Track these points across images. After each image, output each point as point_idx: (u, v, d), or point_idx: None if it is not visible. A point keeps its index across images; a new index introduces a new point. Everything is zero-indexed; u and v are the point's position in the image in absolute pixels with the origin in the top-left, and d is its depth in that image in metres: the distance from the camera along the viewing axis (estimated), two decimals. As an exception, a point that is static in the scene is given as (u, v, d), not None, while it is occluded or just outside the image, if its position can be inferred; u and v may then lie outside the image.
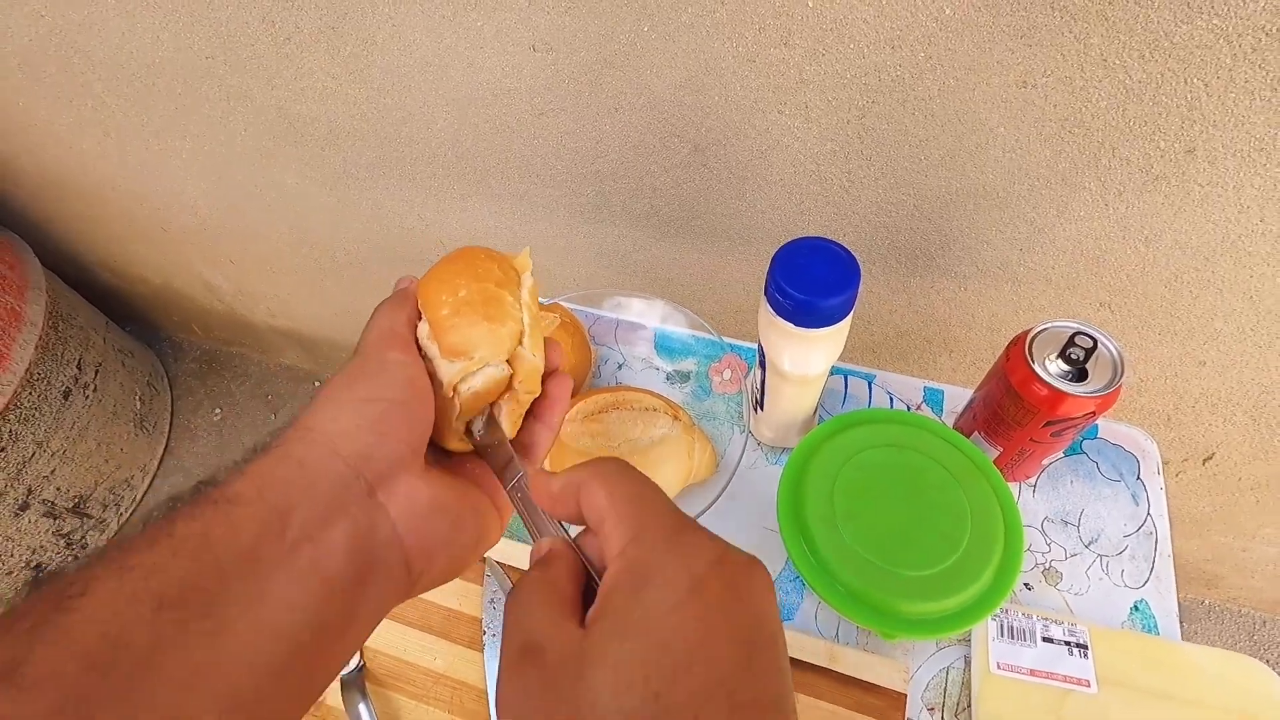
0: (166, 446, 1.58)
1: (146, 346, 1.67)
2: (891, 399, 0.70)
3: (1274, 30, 0.47)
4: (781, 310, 0.52)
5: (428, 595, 0.60)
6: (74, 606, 0.21)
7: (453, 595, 0.60)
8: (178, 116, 0.94)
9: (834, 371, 0.71)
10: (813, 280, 0.51)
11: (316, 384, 1.66)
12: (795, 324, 0.52)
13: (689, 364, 0.72)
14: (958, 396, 0.69)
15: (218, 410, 1.64)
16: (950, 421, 0.68)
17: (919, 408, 0.69)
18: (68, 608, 0.21)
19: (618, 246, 0.89)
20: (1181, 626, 0.58)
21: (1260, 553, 1.08)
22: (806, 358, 0.55)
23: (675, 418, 0.62)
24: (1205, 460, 0.92)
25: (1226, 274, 0.66)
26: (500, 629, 0.58)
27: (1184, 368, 0.78)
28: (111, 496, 1.45)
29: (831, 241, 0.52)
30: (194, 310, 1.57)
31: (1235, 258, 0.64)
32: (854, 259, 0.51)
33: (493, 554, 0.61)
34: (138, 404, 1.51)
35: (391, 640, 0.58)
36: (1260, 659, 1.26)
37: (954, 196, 0.67)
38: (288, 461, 0.27)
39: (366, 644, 0.58)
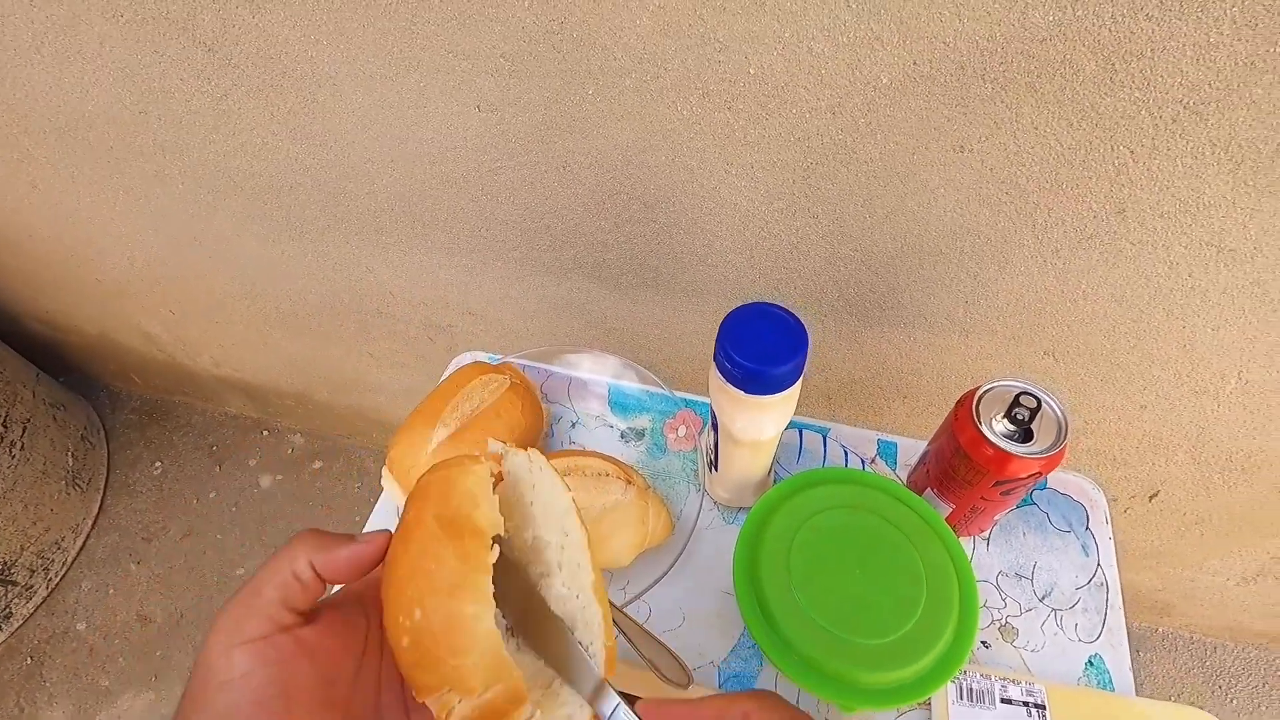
0: (102, 504, 1.50)
1: (81, 398, 1.59)
2: (846, 453, 0.70)
3: (1191, 104, 0.49)
4: (731, 378, 0.52)
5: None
6: None
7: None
8: (111, 169, 0.91)
9: (789, 426, 0.71)
10: (761, 348, 0.50)
11: (265, 433, 1.60)
12: (745, 391, 0.52)
13: (643, 421, 0.71)
14: (911, 448, 0.69)
15: (158, 463, 1.57)
16: (904, 474, 0.68)
17: (873, 461, 0.69)
18: None
19: (572, 299, 0.88)
20: (1137, 656, 0.59)
21: (1207, 582, 1.11)
22: (758, 423, 0.54)
23: (628, 482, 0.61)
24: (1151, 497, 0.94)
25: (1160, 325, 0.68)
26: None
27: (1126, 411, 0.80)
28: (39, 561, 1.36)
29: (778, 307, 0.52)
30: (132, 360, 1.50)
31: (1167, 309, 0.66)
32: (801, 325, 0.51)
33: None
34: (70, 460, 1.43)
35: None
36: (1211, 684, 1.29)
37: (900, 252, 0.68)
38: None
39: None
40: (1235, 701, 1.24)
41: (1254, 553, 1.00)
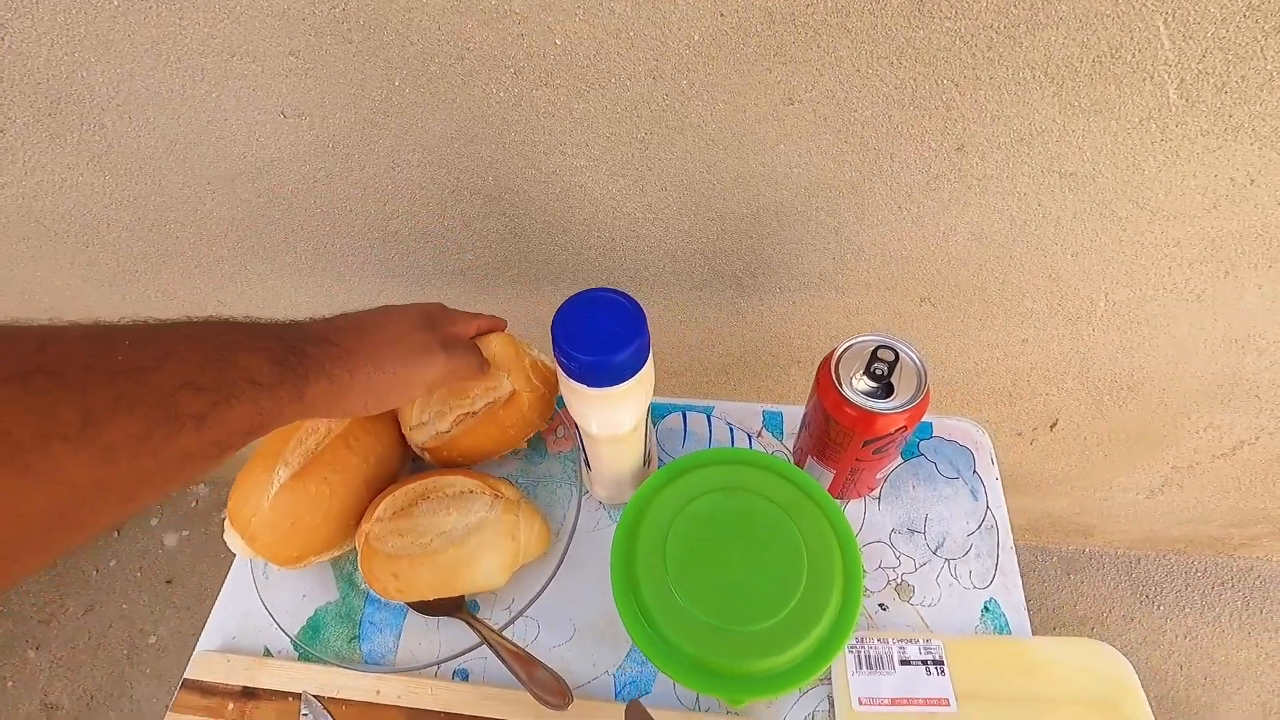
0: (-13, 592, 1.38)
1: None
2: (732, 430, 0.67)
3: (1002, 27, 0.48)
4: (573, 373, 0.48)
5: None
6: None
7: (265, 742, 0.52)
8: (-98, 229, 0.81)
9: (670, 410, 0.68)
10: (597, 337, 0.47)
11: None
12: (590, 385, 0.48)
13: (519, 427, 0.67)
14: (796, 416, 0.67)
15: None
16: (791, 443, 0.66)
17: (760, 435, 0.67)
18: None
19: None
20: (1066, 579, 0.58)
21: (1119, 499, 1.14)
22: (612, 417, 0.51)
23: (496, 496, 0.57)
24: (1052, 426, 0.96)
25: (1023, 257, 0.67)
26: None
27: (1010, 346, 0.80)
28: (-80, 664, 1.24)
29: (611, 291, 0.49)
30: (0, 432, 1.38)
31: (1026, 241, 0.65)
32: (636, 306, 0.48)
33: (312, 689, 0.54)
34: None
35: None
36: (1138, 593, 1.33)
37: (757, 215, 0.66)
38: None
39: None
40: (1161, 608, 1.29)
41: (1155, 465, 1.03)
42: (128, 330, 0.32)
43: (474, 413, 0.59)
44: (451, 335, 0.50)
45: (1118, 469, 1.05)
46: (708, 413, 0.68)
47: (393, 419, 0.62)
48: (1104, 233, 0.64)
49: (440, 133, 0.61)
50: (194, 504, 1.47)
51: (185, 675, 0.55)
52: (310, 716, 0.53)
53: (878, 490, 0.63)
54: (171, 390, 0.30)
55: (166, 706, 0.54)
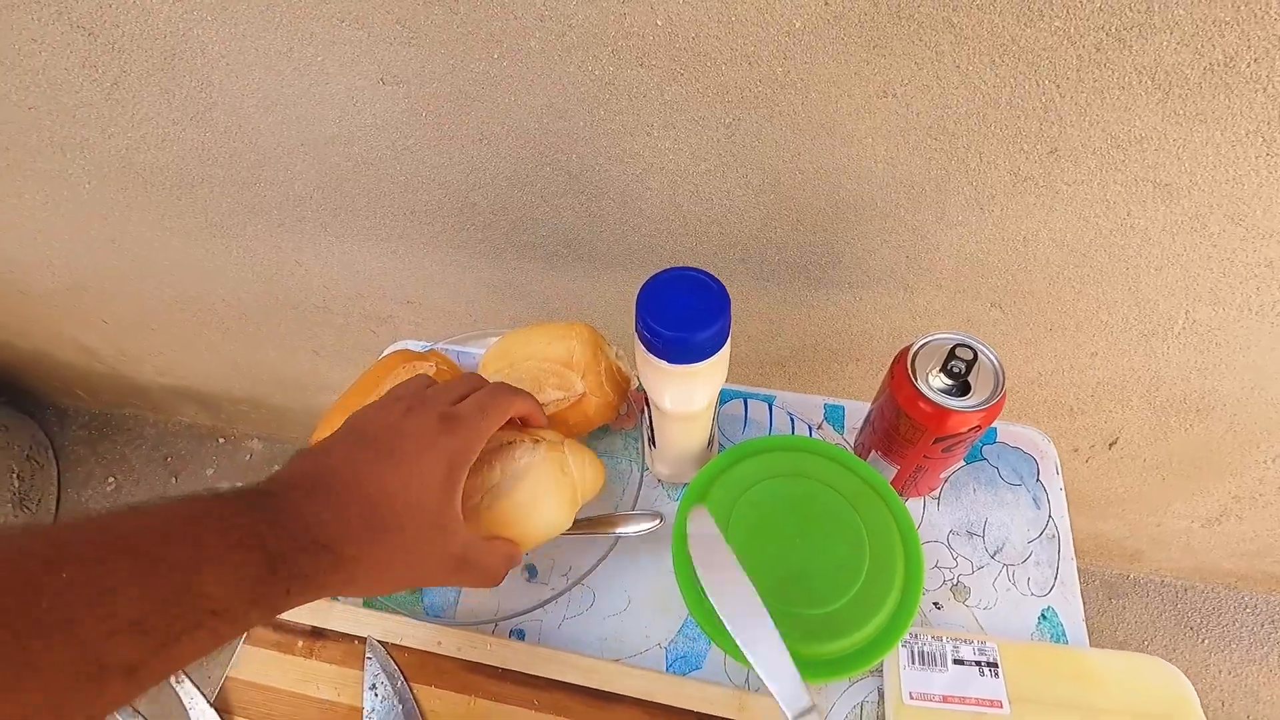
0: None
1: (25, 417, 1.54)
2: (793, 420, 0.68)
3: (1113, 29, 0.47)
4: (653, 348, 0.49)
5: (301, 689, 0.55)
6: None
7: (330, 686, 0.54)
8: (10, 172, 0.86)
9: (733, 396, 0.69)
10: (682, 314, 0.48)
11: (221, 441, 1.55)
12: (669, 361, 0.49)
13: (583, 401, 0.69)
14: (859, 411, 0.67)
15: (111, 479, 1.52)
16: (852, 438, 0.66)
17: (820, 427, 0.67)
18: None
19: (509, 279, 0.85)
20: (1109, 604, 0.58)
21: (1172, 526, 1.11)
22: (687, 394, 0.52)
23: (536, 440, 0.57)
24: (1111, 444, 0.94)
25: (1103, 268, 0.66)
26: (383, 717, 0.53)
27: (1078, 359, 0.79)
28: (-10, 587, 1.31)
29: (697, 270, 0.49)
30: (74, 375, 1.45)
31: (1109, 252, 0.64)
32: (722, 287, 0.49)
33: (377, 634, 0.56)
34: (15, 481, 1.38)
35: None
36: (1183, 625, 1.30)
37: (836, 208, 0.66)
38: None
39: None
40: (1207, 641, 1.26)
41: (1215, 494, 1.00)
42: (77, 544, 0.25)
43: (543, 405, 0.60)
44: (475, 546, 0.43)
45: (1175, 494, 1.02)
46: (769, 401, 0.69)
47: (465, 383, 0.64)
48: (1193, 248, 0.62)
49: (531, 107, 0.62)
50: (248, 458, 1.53)
51: (259, 611, 0.58)
52: (374, 660, 0.55)
53: (938, 490, 0.63)
54: (101, 639, 0.24)
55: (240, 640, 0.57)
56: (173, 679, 0.54)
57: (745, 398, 0.69)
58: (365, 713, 0.53)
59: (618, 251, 0.76)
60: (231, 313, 1.07)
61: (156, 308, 1.10)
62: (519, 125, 0.64)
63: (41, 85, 0.72)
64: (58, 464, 1.53)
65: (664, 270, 0.49)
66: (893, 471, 0.58)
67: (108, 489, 1.51)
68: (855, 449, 0.64)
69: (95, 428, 1.60)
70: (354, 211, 0.79)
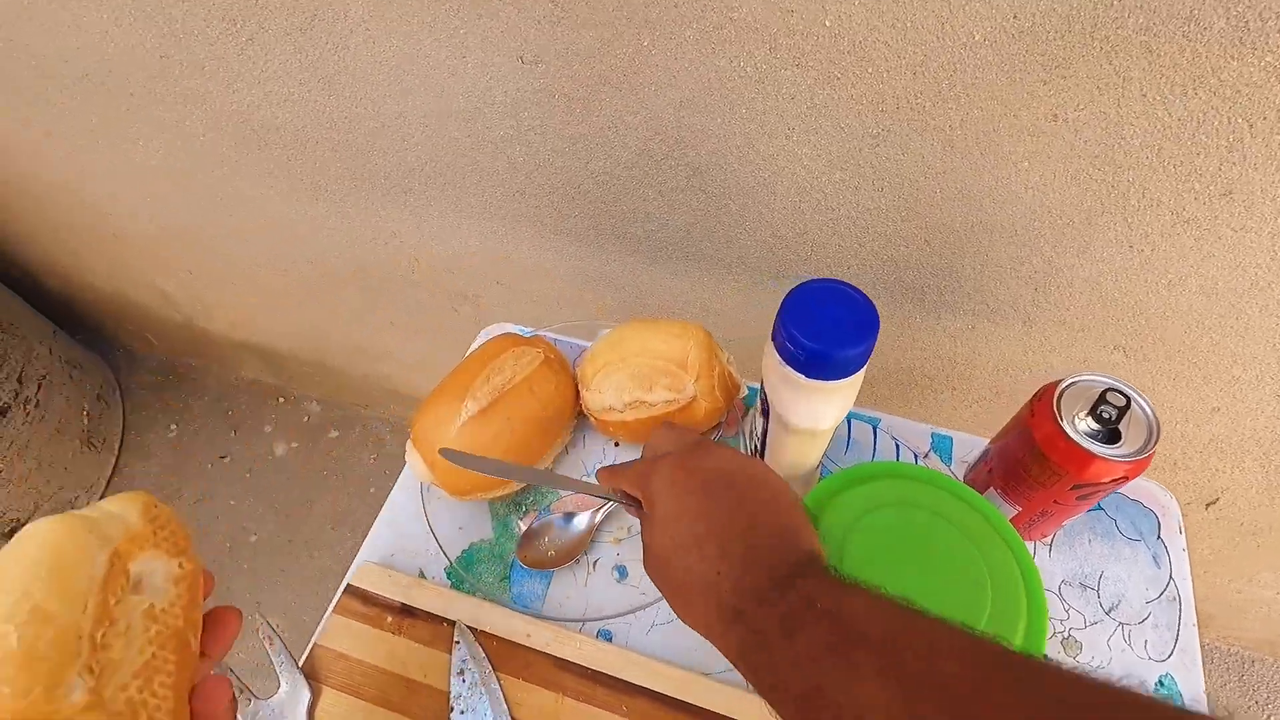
0: (116, 465, 1.48)
1: (98, 357, 1.57)
2: (898, 446, 0.65)
3: (1331, 70, 0.44)
4: (792, 360, 0.47)
5: (388, 665, 0.54)
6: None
7: (417, 666, 0.54)
8: (129, 118, 0.87)
9: (838, 415, 0.66)
10: (828, 329, 0.46)
11: (281, 400, 1.57)
12: (807, 375, 0.47)
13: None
14: (967, 444, 0.64)
15: (173, 426, 1.55)
16: (960, 472, 0.63)
17: (927, 456, 0.65)
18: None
19: (606, 271, 0.84)
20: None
21: (1254, 594, 1.06)
22: (817, 411, 0.50)
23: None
24: (1209, 505, 0.89)
25: (1252, 320, 0.62)
26: (471, 704, 0.52)
27: (1196, 413, 0.75)
28: (53, 519, 1.35)
29: (847, 285, 0.47)
30: (148, 320, 1.48)
31: (1262, 304, 0.61)
32: (872, 305, 0.46)
33: (466, 619, 0.55)
34: (85, 419, 1.42)
35: (344, 717, 0.52)
36: (1248, 697, 1.24)
37: (969, 231, 0.63)
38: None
39: (318, 721, 0.51)
40: (1272, 716, 1.20)
41: (1312, 567, 0.95)
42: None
43: (650, 404, 0.59)
44: None
45: (1266, 563, 0.97)
46: (874, 424, 0.66)
47: (572, 374, 0.63)
48: (1357, 310, 0.58)
49: (671, 99, 0.60)
50: (305, 419, 1.55)
51: (348, 581, 0.58)
52: (463, 645, 0.54)
53: (1050, 537, 0.60)
54: None
55: (327, 610, 0.57)
56: (264, 638, 0.53)
57: (850, 418, 0.66)
58: (451, 696, 0.52)
59: (727, 254, 0.74)
60: (316, 275, 1.07)
61: (242, 263, 1.11)
62: (653, 115, 0.63)
63: (178, 34, 0.72)
64: (124, 406, 1.57)
65: (811, 280, 0.48)
66: (1012, 512, 0.56)
67: (169, 435, 1.54)
68: (968, 484, 0.61)
69: (162, 374, 1.63)
70: (463, 187, 0.79)
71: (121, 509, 0.32)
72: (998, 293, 0.68)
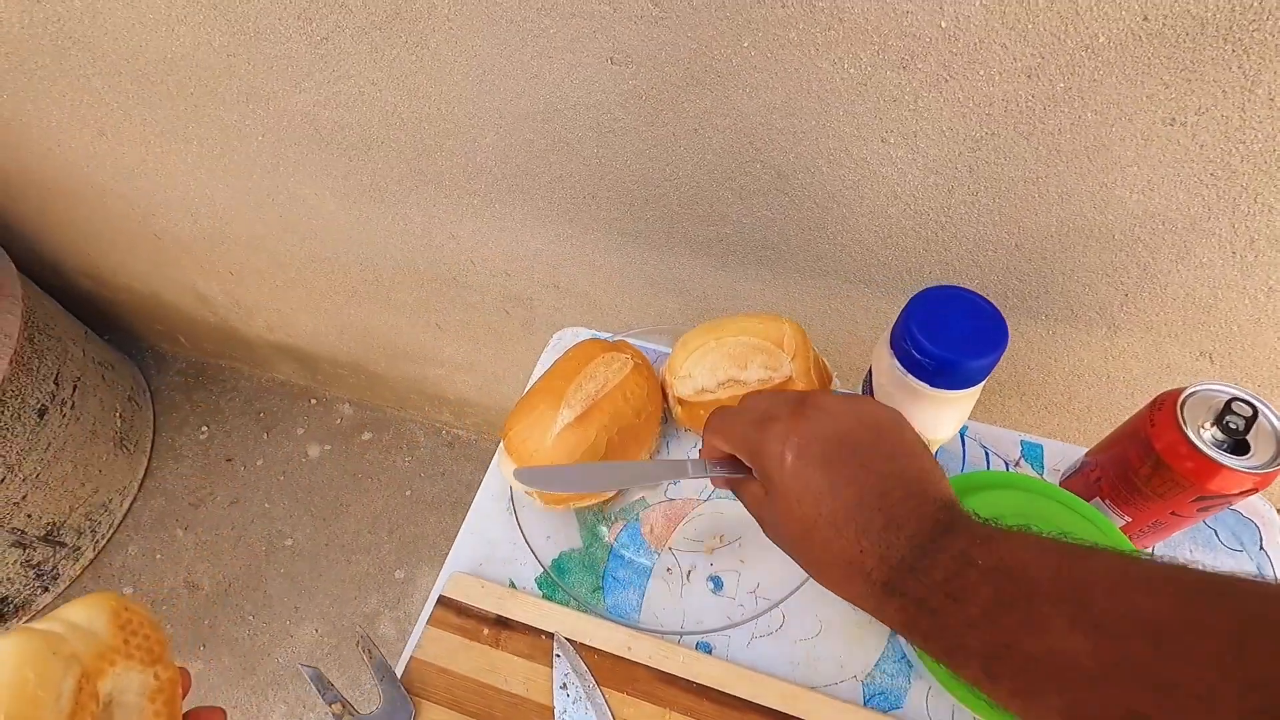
0: (148, 468, 1.47)
1: (128, 358, 1.56)
2: (988, 454, 0.64)
3: None
4: (915, 367, 0.46)
5: (489, 679, 0.53)
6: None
7: (518, 680, 0.53)
8: (187, 117, 0.86)
9: (925, 422, 0.65)
10: (956, 337, 0.45)
11: (313, 402, 1.56)
12: (932, 385, 0.46)
13: (765, 410, 0.66)
14: (1059, 453, 0.63)
15: (205, 428, 1.54)
16: (1052, 479, 0.62)
17: (1017, 464, 0.63)
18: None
19: (672, 275, 0.82)
20: None
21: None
22: (937, 421, 0.49)
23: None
24: None
25: (1351, 328, 0.61)
26: (577, 718, 0.51)
27: None
28: (87, 523, 1.33)
29: (973, 292, 0.46)
30: (181, 321, 1.46)
31: (1365, 312, 0.60)
32: (1001, 316, 0.46)
33: (565, 631, 0.54)
34: (118, 421, 1.40)
35: (454, 734, 0.51)
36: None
37: (1064, 236, 0.62)
38: None
39: (418, 737, 0.50)
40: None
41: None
42: None
43: (744, 383, 0.58)
44: None
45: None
46: (962, 431, 0.65)
47: (659, 379, 0.62)
48: None
49: (764, 101, 0.59)
50: (338, 421, 1.53)
51: (441, 592, 0.56)
52: (564, 658, 0.53)
53: (1150, 549, 0.59)
54: None
55: (422, 624, 0.56)
56: (362, 651, 0.52)
57: (949, 427, 0.65)
58: (557, 712, 0.51)
59: (803, 258, 0.73)
60: (365, 277, 1.06)
61: (289, 264, 1.10)
62: (744, 119, 0.61)
63: (248, 33, 0.71)
64: (154, 408, 1.55)
65: (936, 287, 0.47)
66: (1122, 523, 0.55)
67: (200, 436, 1.52)
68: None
69: (192, 375, 1.62)
70: (532, 189, 0.78)
71: (88, 618, 0.29)
72: (1084, 298, 0.67)
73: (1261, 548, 0.59)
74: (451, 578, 0.57)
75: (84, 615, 0.29)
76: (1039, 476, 0.63)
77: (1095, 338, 0.71)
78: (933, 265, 0.69)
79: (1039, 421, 0.85)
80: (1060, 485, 0.61)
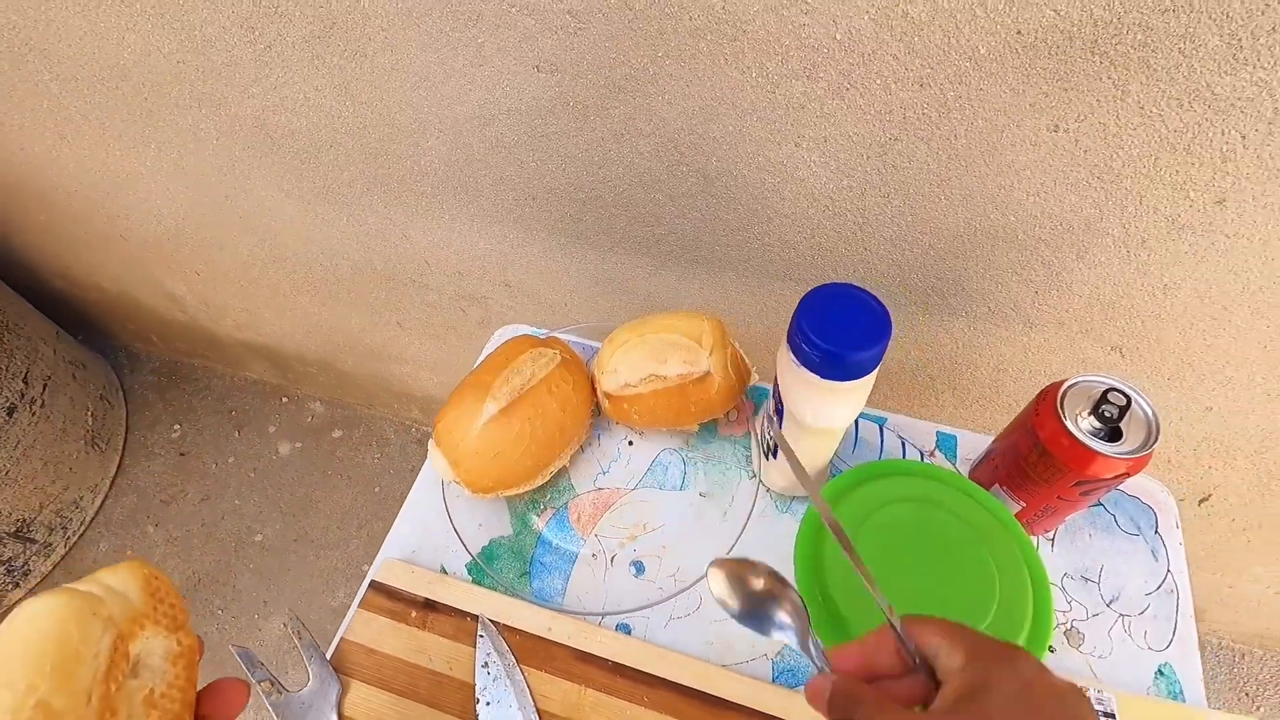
0: (120, 465, 1.49)
1: (100, 357, 1.58)
2: (904, 445, 0.67)
3: (1320, 86, 0.46)
4: (807, 361, 0.49)
5: (415, 659, 0.56)
6: None
7: (443, 659, 0.55)
8: (143, 122, 0.88)
9: (845, 414, 0.68)
10: (842, 331, 0.48)
11: (285, 400, 1.58)
12: (821, 376, 0.49)
13: (693, 403, 0.69)
14: (972, 442, 0.66)
15: (177, 426, 1.56)
16: (964, 468, 0.65)
17: (932, 454, 0.67)
18: None
19: (614, 274, 0.85)
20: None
21: (1246, 590, 1.08)
22: (831, 410, 0.52)
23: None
24: (1201, 501, 0.92)
25: (1243, 323, 0.65)
26: (497, 695, 0.53)
27: (1190, 412, 0.77)
28: (58, 519, 1.35)
29: (861, 289, 0.49)
30: (153, 320, 1.48)
31: (1253, 308, 0.63)
32: (885, 309, 0.48)
33: (489, 613, 0.57)
34: (89, 419, 1.42)
35: (373, 709, 0.53)
36: (1238, 690, 1.27)
37: (972, 236, 0.65)
38: None
39: (345, 713, 0.53)
40: (1263, 709, 1.23)
41: (1300, 562, 0.97)
42: None
43: (664, 378, 0.61)
44: None
45: (1257, 559, 1.00)
46: (880, 423, 0.68)
47: (588, 374, 0.65)
48: (1344, 313, 0.61)
49: (683, 108, 0.62)
50: (310, 419, 1.56)
51: (372, 577, 0.59)
52: (486, 638, 0.55)
53: (1053, 532, 0.62)
54: None
55: (351, 604, 0.58)
56: (292, 632, 0.55)
57: (858, 417, 0.68)
58: (477, 689, 0.54)
59: (735, 258, 0.76)
60: (325, 277, 1.09)
61: (253, 265, 1.12)
62: (665, 124, 0.64)
63: (195, 41, 0.73)
64: (127, 407, 1.57)
65: (827, 284, 0.49)
66: (1016, 508, 0.58)
67: (173, 435, 1.54)
68: (971, 480, 0.63)
69: (165, 374, 1.63)
70: (476, 191, 0.80)
71: (123, 583, 0.31)
72: (999, 296, 0.70)
73: (1157, 532, 0.62)
74: (384, 563, 0.60)
75: (119, 580, 0.31)
76: (951, 465, 0.66)
77: (1014, 334, 0.74)
78: (855, 264, 0.72)
79: (971, 415, 0.88)
80: (969, 474, 0.64)
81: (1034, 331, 0.73)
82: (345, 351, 1.32)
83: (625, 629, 0.58)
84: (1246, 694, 1.24)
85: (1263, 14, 0.44)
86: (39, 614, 0.27)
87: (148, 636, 0.31)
